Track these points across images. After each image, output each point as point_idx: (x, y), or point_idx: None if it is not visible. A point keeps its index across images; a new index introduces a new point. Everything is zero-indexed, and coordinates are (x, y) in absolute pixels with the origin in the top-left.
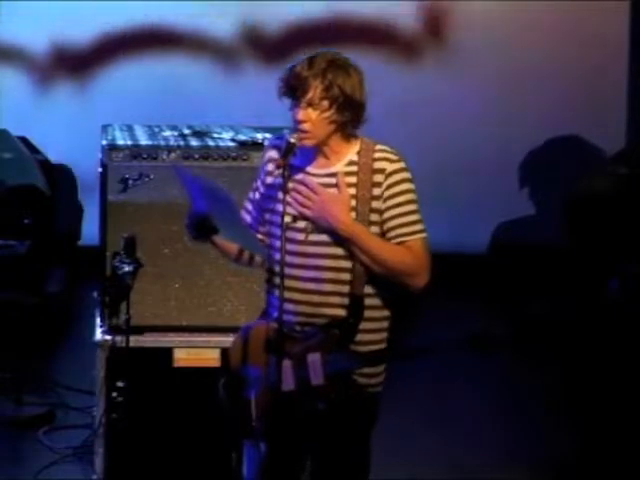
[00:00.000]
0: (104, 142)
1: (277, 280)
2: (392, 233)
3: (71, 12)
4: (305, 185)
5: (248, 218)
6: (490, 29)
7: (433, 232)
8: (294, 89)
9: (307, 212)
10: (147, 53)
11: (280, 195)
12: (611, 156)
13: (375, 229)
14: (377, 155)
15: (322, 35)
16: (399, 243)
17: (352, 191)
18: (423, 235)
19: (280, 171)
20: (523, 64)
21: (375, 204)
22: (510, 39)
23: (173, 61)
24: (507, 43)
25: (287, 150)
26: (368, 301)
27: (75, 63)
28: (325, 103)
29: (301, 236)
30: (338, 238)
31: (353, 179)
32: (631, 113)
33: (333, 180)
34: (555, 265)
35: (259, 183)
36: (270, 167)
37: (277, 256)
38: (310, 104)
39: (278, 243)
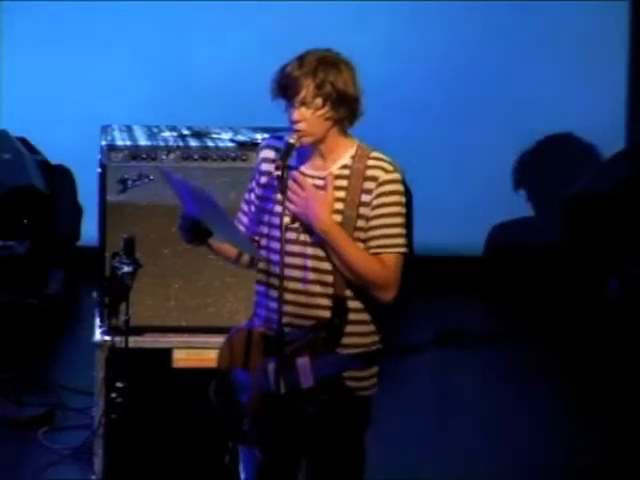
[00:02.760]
0: (103, 142)
1: (270, 280)
2: (372, 243)
3: None
4: (295, 182)
5: (245, 219)
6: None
7: (431, 234)
8: (286, 89)
9: (291, 207)
10: None
11: (275, 196)
12: (611, 156)
13: (360, 235)
14: (371, 162)
15: None
16: (375, 254)
17: (341, 194)
18: (401, 250)
19: (279, 172)
20: (521, 63)
21: (363, 210)
22: (511, 36)
23: None
24: (507, 38)
25: (286, 151)
26: (353, 304)
27: None
28: (318, 101)
29: (293, 236)
30: (320, 239)
31: (344, 182)
32: (631, 113)
33: (324, 183)
34: (554, 265)
35: (254, 184)
36: (265, 167)
37: (271, 256)
38: (303, 103)
39: (273, 243)
